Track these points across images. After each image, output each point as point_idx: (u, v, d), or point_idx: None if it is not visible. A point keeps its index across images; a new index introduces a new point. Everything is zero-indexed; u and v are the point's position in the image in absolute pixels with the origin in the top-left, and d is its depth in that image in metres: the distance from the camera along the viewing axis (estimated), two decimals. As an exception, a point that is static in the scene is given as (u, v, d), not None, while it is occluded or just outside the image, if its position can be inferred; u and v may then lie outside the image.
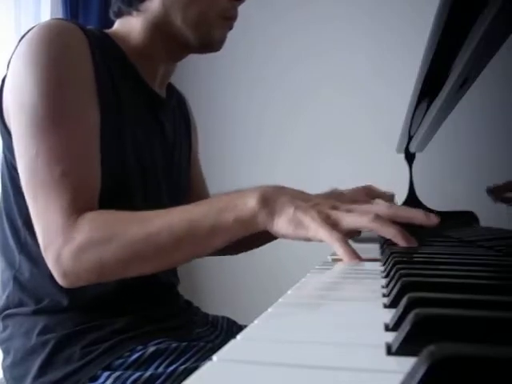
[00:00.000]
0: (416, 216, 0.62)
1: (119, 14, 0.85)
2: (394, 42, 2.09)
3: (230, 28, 0.85)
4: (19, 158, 0.72)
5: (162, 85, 0.90)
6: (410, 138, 1.16)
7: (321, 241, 0.60)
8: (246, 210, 0.63)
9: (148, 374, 0.68)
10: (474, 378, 0.16)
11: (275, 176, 2.19)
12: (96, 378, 0.71)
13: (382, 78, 2.08)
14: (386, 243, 0.71)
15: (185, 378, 0.20)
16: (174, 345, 0.73)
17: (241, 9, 0.84)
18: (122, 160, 0.78)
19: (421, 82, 0.91)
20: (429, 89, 0.90)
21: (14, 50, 0.74)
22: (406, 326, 0.23)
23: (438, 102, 0.86)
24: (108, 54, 0.80)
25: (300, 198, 0.64)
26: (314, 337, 0.27)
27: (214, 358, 0.22)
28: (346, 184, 0.85)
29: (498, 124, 0.63)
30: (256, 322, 0.29)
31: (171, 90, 0.97)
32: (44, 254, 0.70)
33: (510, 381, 0.16)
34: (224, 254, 0.98)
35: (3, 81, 0.77)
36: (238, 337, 0.26)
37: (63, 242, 0.67)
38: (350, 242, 0.62)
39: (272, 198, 0.63)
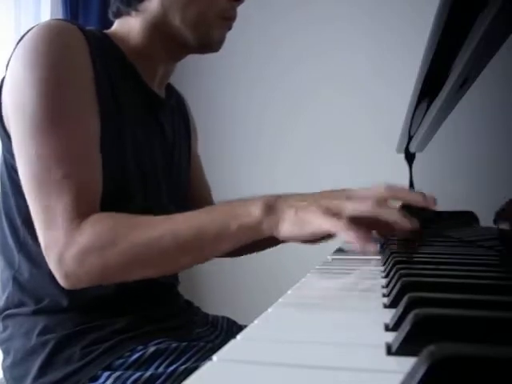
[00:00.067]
0: (415, 198, 0.63)
1: (118, 15, 0.85)
2: (394, 42, 2.09)
3: (229, 28, 0.85)
4: (19, 158, 0.72)
5: (161, 85, 0.90)
6: (410, 138, 1.16)
7: (329, 236, 0.60)
8: (251, 217, 0.65)
9: (148, 374, 0.68)
10: (473, 377, 0.16)
11: (275, 176, 2.19)
12: (96, 378, 0.71)
13: (382, 78, 2.08)
14: (386, 243, 0.71)
15: (185, 377, 0.20)
16: (174, 345, 0.73)
17: (240, 9, 0.84)
18: (122, 160, 0.78)
19: (421, 82, 0.91)
20: (429, 89, 0.90)
21: (13, 51, 0.74)
22: (405, 326, 0.23)
23: (438, 102, 0.86)
24: (107, 54, 0.80)
25: (300, 200, 0.64)
26: (314, 337, 0.27)
27: (214, 357, 0.22)
28: (346, 184, 0.85)
29: (498, 124, 0.63)
30: (256, 322, 0.29)
31: (170, 90, 0.97)
32: (45, 255, 0.70)
33: (509, 381, 0.16)
34: (227, 257, 0.97)
35: (2, 82, 0.77)
36: (238, 337, 0.26)
37: (66, 245, 0.67)
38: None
39: (275, 205, 0.65)
